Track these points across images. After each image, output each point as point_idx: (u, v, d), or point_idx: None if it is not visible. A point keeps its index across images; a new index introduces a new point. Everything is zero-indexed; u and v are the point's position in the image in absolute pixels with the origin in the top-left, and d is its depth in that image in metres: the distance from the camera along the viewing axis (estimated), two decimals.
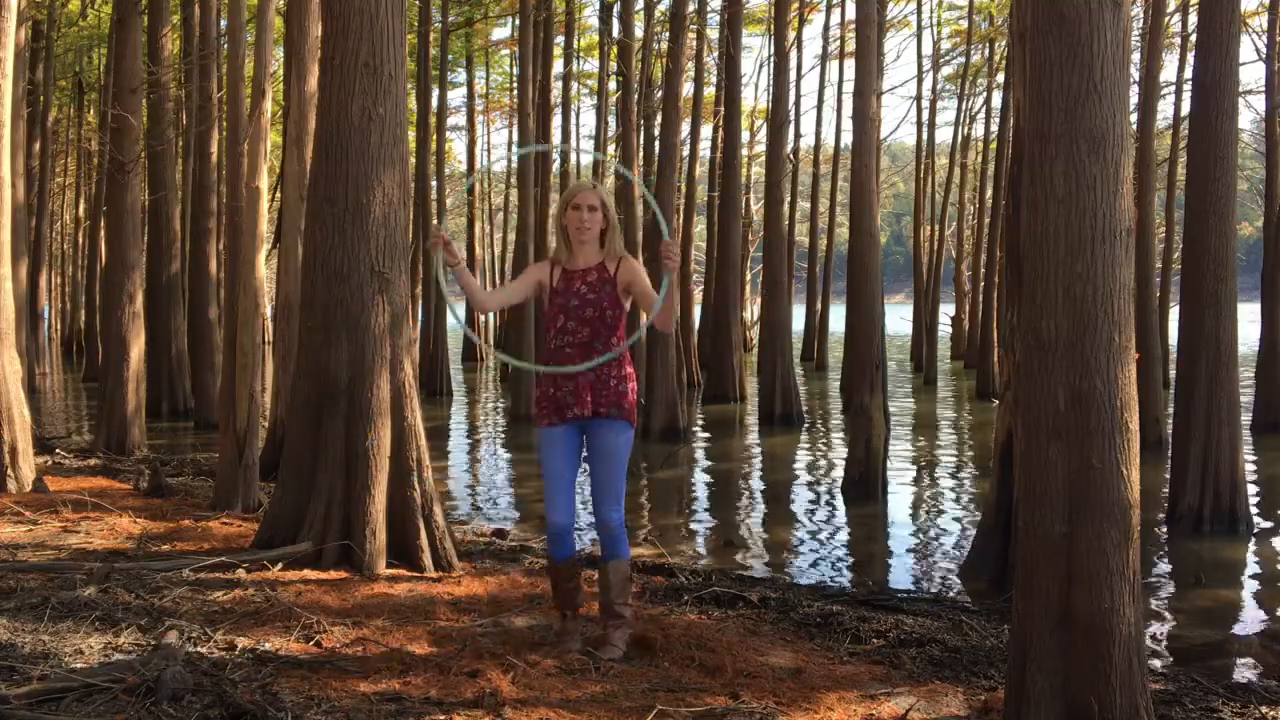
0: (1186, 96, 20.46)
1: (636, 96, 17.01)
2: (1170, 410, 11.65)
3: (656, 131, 20.18)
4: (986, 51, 28.44)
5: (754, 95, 39.12)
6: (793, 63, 25.56)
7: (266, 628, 4.52)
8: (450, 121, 32.98)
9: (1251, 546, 8.28)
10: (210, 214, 16.34)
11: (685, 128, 21.75)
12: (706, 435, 15.87)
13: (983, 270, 25.37)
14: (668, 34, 18.89)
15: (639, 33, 17.93)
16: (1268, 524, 9.01)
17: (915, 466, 12.29)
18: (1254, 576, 7.59)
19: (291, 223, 9.05)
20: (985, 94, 29.55)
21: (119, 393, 11.82)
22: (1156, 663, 5.23)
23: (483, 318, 33.87)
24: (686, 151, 23.22)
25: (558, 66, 25.18)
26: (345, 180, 5.87)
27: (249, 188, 8.21)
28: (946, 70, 32.40)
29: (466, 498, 10.33)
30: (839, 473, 11.14)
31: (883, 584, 7.01)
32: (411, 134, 16.30)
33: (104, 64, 21.96)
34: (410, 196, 6.39)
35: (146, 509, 7.35)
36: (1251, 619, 6.50)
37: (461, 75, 34.32)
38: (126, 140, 12.57)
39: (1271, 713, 4.14)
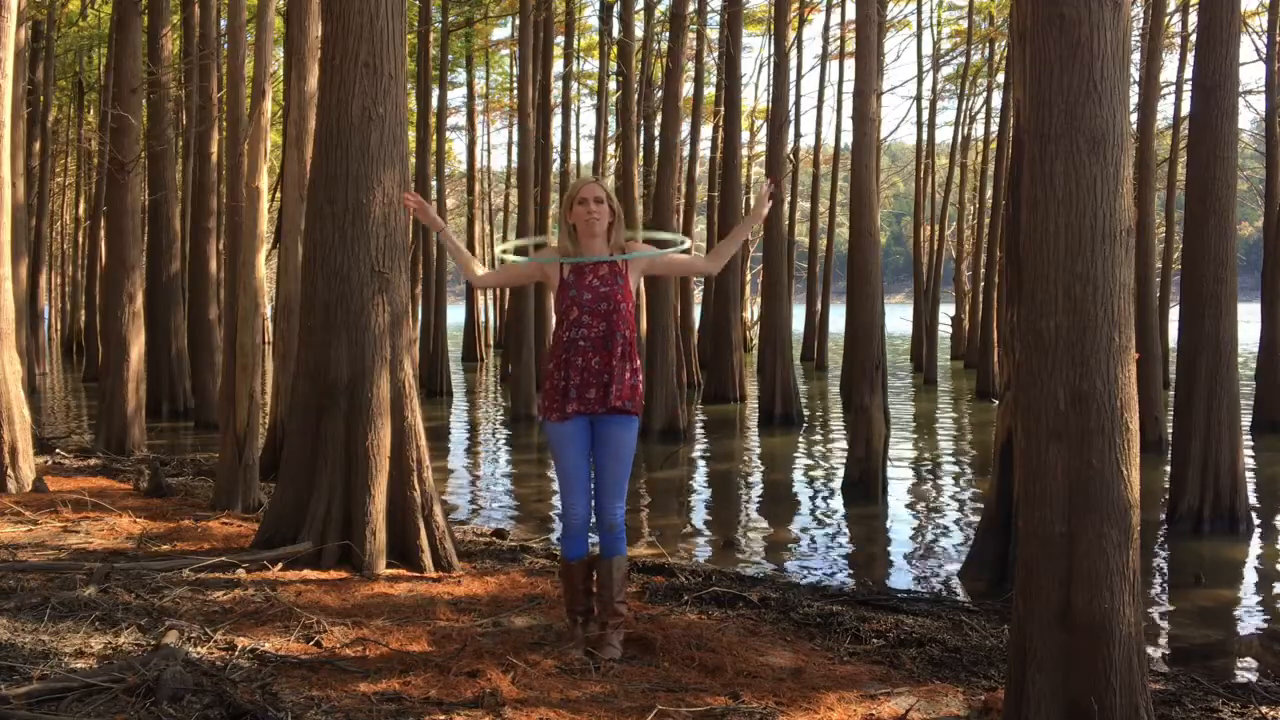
0: (1186, 96, 20.45)
1: (636, 96, 17.01)
2: (1170, 410, 11.65)
3: (656, 131, 20.20)
4: (986, 51, 28.45)
5: (754, 95, 39.18)
6: (793, 63, 25.57)
7: (266, 628, 4.52)
8: (450, 121, 33.01)
9: (1251, 546, 8.28)
10: (210, 214, 16.35)
11: (685, 128, 21.76)
12: (706, 435, 15.87)
13: (983, 270, 25.37)
14: (668, 34, 18.90)
15: (639, 33, 17.93)
16: (1268, 524, 9.01)
17: (915, 466, 12.29)
18: (1254, 576, 7.58)
19: (291, 223, 9.05)
20: (985, 94, 29.57)
21: (119, 393, 11.82)
22: (1157, 663, 5.23)
23: (483, 317, 33.88)
24: (686, 151, 23.23)
25: (558, 66, 25.19)
26: (345, 180, 5.87)
27: (249, 188, 8.21)
28: (946, 70, 32.43)
29: (466, 498, 10.33)
30: (839, 473, 11.14)
31: (883, 584, 7.01)
32: (411, 134, 16.31)
33: (104, 64, 21.96)
34: None
35: (146, 509, 7.35)
36: (1251, 619, 6.49)
37: (461, 75, 34.33)
38: (126, 140, 12.57)
39: (1271, 713, 4.14)
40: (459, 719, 3.58)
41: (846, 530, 8.98)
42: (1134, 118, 12.54)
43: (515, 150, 25.67)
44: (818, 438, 15.12)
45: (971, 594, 6.67)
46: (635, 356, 4.38)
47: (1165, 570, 7.64)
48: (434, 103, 24.14)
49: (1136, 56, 16.70)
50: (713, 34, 25.40)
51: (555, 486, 11.29)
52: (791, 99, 24.61)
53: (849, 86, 24.31)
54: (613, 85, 23.81)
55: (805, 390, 20.89)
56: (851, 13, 26.54)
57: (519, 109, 18.55)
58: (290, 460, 6.03)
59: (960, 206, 31.11)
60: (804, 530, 8.91)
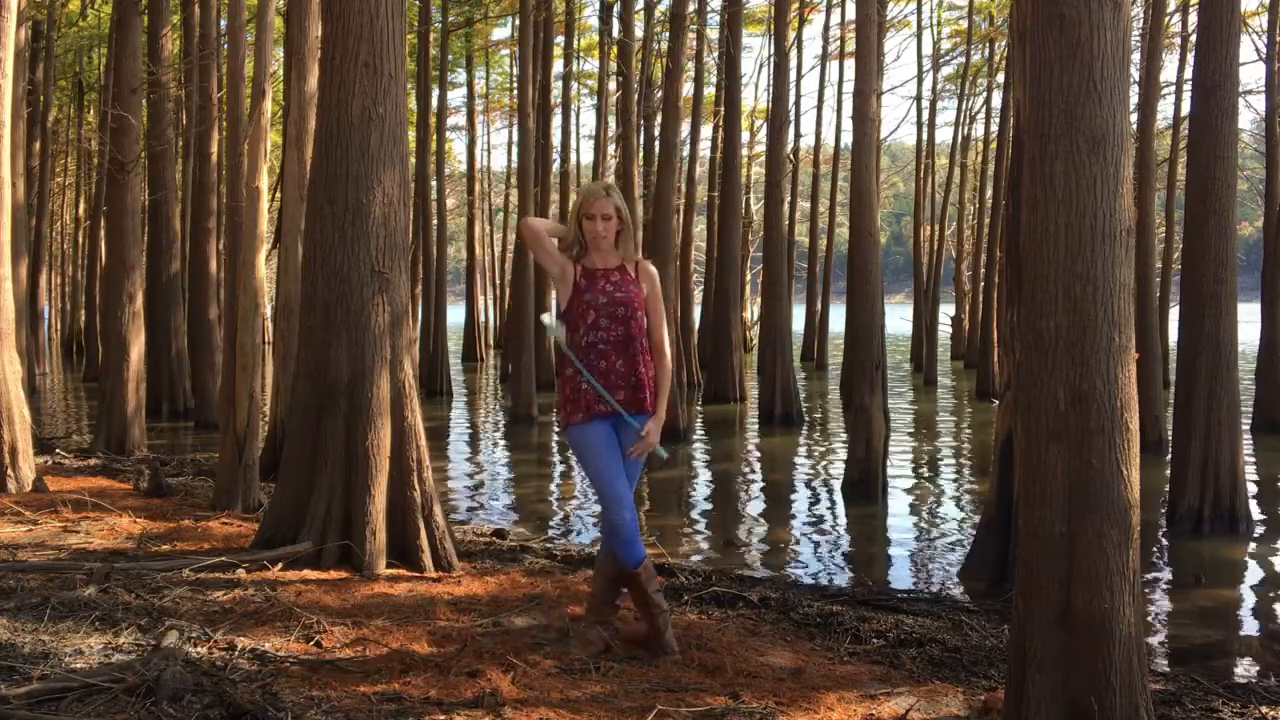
0: (1186, 96, 20.45)
1: (636, 96, 17.02)
2: (1170, 410, 11.65)
3: (656, 131, 20.20)
4: (986, 51, 28.45)
5: (754, 95, 39.17)
6: (793, 63, 25.58)
7: (266, 628, 4.52)
8: (450, 121, 33.00)
9: (1251, 546, 8.28)
10: (210, 214, 16.35)
11: (685, 128, 21.75)
12: (706, 435, 15.87)
13: (983, 270, 25.38)
14: (668, 34, 18.90)
15: (639, 33, 17.94)
16: (1268, 524, 9.01)
17: (915, 466, 12.29)
18: (1254, 576, 7.58)
19: (291, 223, 9.05)
20: (985, 94, 29.58)
21: (119, 393, 11.81)
22: (1157, 663, 5.23)
23: (483, 317, 33.88)
24: (686, 151, 23.23)
25: (558, 66, 25.20)
26: (345, 180, 5.87)
27: (249, 188, 8.21)
28: (946, 70, 32.44)
29: (467, 498, 10.33)
30: (839, 473, 11.14)
31: (883, 584, 7.00)
32: (411, 134, 16.32)
33: (104, 64, 21.97)
34: (410, 196, 6.39)
35: (146, 509, 7.34)
36: (1251, 619, 6.50)
37: (461, 75, 34.31)
38: (126, 140, 12.57)
39: (1271, 713, 4.14)
40: (459, 719, 3.58)
41: (846, 530, 8.98)
42: (1134, 118, 12.54)
43: (515, 150, 25.70)
44: (818, 438, 15.12)
45: (971, 594, 6.67)
46: (651, 363, 4.43)
47: (1165, 570, 7.64)
48: (434, 103, 24.13)
49: (1136, 56, 16.70)
50: (713, 34, 25.41)
51: (554, 487, 11.34)
52: (791, 99, 24.62)
53: (849, 86, 24.32)
54: (613, 85, 23.82)
55: (805, 390, 20.89)
56: (851, 13, 26.56)
57: (519, 109, 18.54)
58: (290, 460, 6.03)
59: (960, 206, 31.11)
60: (804, 530, 8.90)
